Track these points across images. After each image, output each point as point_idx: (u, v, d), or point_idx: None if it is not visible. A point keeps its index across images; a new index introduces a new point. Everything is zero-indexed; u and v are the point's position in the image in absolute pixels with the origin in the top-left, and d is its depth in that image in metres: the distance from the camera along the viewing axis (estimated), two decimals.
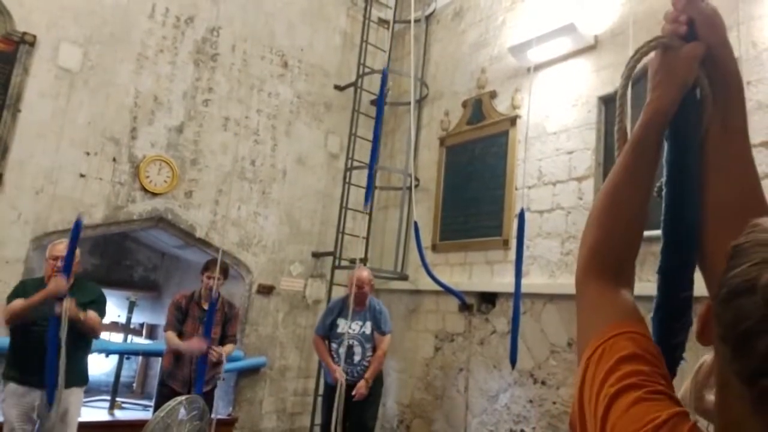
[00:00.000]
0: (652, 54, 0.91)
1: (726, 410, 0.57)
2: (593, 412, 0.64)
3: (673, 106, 0.85)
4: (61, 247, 3.44)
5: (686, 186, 0.86)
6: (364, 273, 4.36)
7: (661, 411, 0.58)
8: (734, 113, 0.87)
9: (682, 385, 1.90)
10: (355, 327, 4.25)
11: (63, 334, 3.18)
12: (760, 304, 0.52)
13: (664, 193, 0.88)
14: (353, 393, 4.09)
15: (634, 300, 0.76)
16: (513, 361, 3.74)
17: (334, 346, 4.33)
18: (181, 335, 4.02)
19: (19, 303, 3.27)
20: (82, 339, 3.52)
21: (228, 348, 4.13)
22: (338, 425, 4.00)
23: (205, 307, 4.11)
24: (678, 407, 0.59)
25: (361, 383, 4.12)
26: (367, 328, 4.30)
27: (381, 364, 4.31)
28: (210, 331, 3.82)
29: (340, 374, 4.07)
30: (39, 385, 3.28)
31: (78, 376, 3.51)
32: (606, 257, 0.79)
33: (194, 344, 3.86)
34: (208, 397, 3.80)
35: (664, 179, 0.88)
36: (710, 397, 1.68)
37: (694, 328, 0.66)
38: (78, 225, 3.30)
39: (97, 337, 3.68)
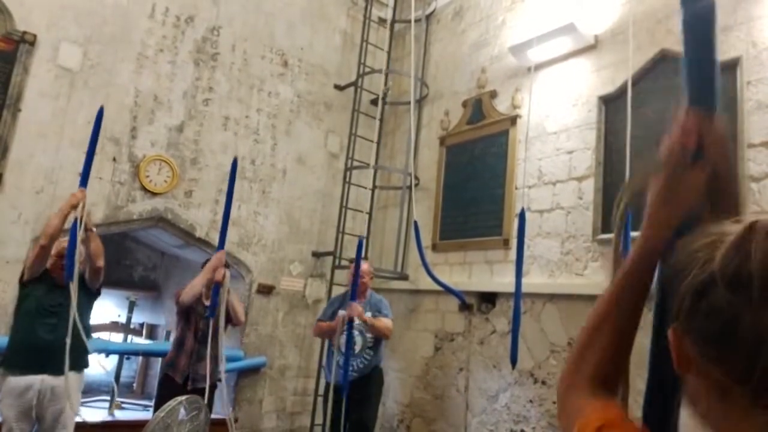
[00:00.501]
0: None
1: (726, 418, 0.57)
2: None
3: (669, 237, 0.79)
4: (66, 242, 3.45)
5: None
6: (364, 265, 4.42)
7: None
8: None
9: None
10: (356, 318, 4.26)
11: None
12: (724, 293, 0.54)
13: (654, 301, 0.83)
14: (348, 314, 4.04)
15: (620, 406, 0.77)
16: (513, 361, 3.74)
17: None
18: (183, 334, 4.02)
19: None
20: (83, 326, 3.53)
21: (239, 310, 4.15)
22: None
23: (206, 303, 4.11)
24: None
25: (360, 309, 4.10)
26: (368, 317, 4.32)
27: (381, 327, 4.26)
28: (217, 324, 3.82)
29: (341, 316, 4.05)
30: (41, 370, 3.30)
31: (75, 360, 3.48)
32: (593, 367, 0.80)
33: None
34: (209, 397, 3.79)
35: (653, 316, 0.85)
36: None
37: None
38: (100, 115, 3.31)
39: (98, 276, 3.64)
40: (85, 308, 3.62)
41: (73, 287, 3.13)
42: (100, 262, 3.55)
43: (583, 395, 0.77)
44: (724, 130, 0.82)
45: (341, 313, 4.19)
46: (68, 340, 3.15)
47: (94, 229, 3.50)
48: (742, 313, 0.53)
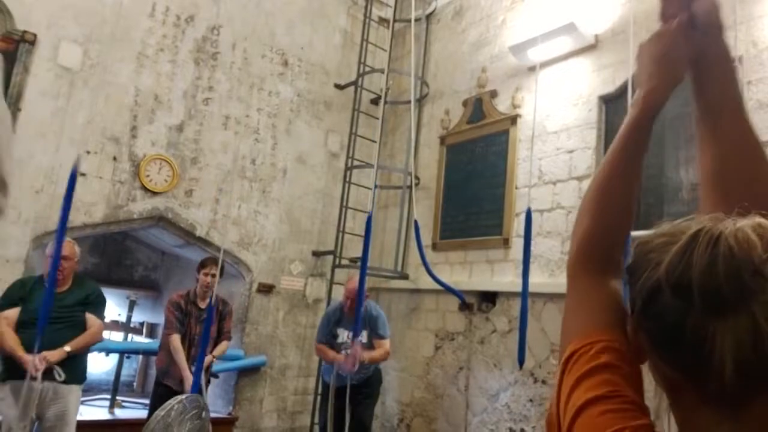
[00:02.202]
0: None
1: (682, 414, 0.61)
2: (563, 419, 0.66)
3: (666, 99, 0.84)
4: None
5: None
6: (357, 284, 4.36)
7: (626, 423, 0.60)
8: (730, 93, 0.84)
9: None
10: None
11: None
12: (670, 297, 0.58)
13: None
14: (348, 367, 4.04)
15: (618, 293, 0.77)
16: (521, 361, 3.71)
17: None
18: (183, 337, 4.02)
19: (10, 318, 3.34)
20: (78, 332, 3.54)
21: (222, 347, 4.14)
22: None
23: (202, 305, 4.11)
24: (644, 419, 0.61)
25: (357, 350, 4.05)
26: (364, 337, 4.29)
27: (381, 358, 4.28)
28: (209, 330, 3.82)
29: (343, 356, 4.05)
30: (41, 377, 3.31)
31: (76, 375, 3.52)
32: (595, 248, 0.80)
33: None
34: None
35: None
36: None
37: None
38: (74, 172, 3.13)
39: (100, 341, 3.69)
40: (83, 318, 3.61)
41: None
42: (100, 339, 3.69)
43: (593, 286, 0.77)
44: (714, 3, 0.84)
45: (341, 337, 4.24)
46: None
47: (68, 349, 3.43)
48: (685, 317, 0.56)
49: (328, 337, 4.36)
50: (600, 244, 0.80)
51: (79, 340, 3.46)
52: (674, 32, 0.84)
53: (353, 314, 4.12)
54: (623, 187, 0.82)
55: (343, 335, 4.27)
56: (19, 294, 3.45)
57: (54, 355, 3.30)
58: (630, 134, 0.83)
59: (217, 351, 4.08)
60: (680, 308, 0.57)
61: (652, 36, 0.87)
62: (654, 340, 0.61)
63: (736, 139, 0.80)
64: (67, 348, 3.37)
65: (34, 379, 3.15)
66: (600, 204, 0.82)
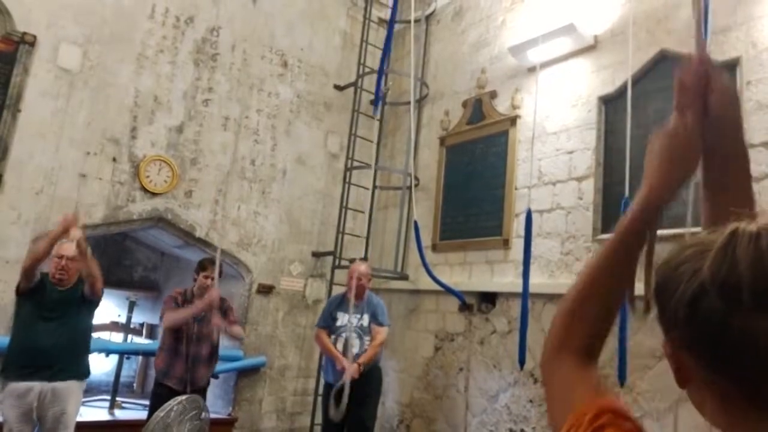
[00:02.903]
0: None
1: (732, 423, 0.58)
2: None
3: (669, 201, 0.80)
4: (66, 246, 3.46)
5: None
6: (363, 267, 4.43)
7: None
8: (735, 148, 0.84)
9: None
10: (354, 320, 4.28)
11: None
12: (716, 299, 0.55)
13: None
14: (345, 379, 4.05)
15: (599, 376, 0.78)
16: (521, 362, 3.72)
17: (332, 338, 4.37)
18: (179, 336, 4.01)
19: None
20: (82, 332, 3.54)
21: (237, 329, 4.16)
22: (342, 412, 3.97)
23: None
24: None
25: (354, 366, 4.11)
26: (365, 321, 4.34)
27: (377, 352, 4.31)
28: (210, 331, 3.83)
29: (347, 365, 4.06)
30: (41, 376, 3.30)
31: (76, 369, 3.50)
32: (580, 339, 0.79)
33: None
34: (201, 396, 3.80)
35: None
36: None
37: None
38: None
39: (98, 294, 3.64)
40: (85, 316, 3.62)
41: None
42: (98, 285, 3.58)
43: (573, 370, 0.76)
44: (728, 81, 0.82)
45: (340, 321, 4.29)
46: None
47: (90, 253, 3.45)
48: (732, 319, 0.54)
49: (328, 321, 4.42)
50: (584, 338, 0.79)
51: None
52: (690, 131, 0.81)
53: (355, 297, 4.18)
54: (613, 286, 0.80)
55: (343, 319, 4.31)
56: (30, 293, 3.47)
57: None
58: (627, 233, 0.79)
59: (234, 331, 4.10)
60: (727, 309, 0.54)
61: (667, 130, 0.83)
62: (700, 349, 0.58)
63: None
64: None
65: None
66: (588, 300, 0.80)
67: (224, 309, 4.20)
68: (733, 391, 0.56)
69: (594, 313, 0.80)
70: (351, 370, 3.99)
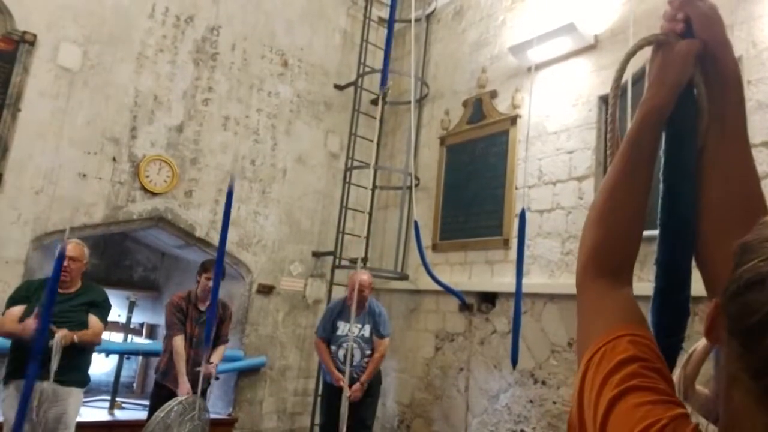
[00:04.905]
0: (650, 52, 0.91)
1: (732, 406, 0.56)
2: (593, 416, 0.64)
3: (668, 104, 0.84)
4: (69, 246, 3.45)
5: (681, 183, 0.86)
6: (364, 276, 4.34)
7: (662, 414, 0.58)
8: (732, 115, 0.86)
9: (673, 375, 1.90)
10: (355, 330, 4.24)
11: (54, 366, 3.20)
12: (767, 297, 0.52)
13: (660, 189, 0.88)
14: (349, 395, 4.07)
15: (634, 298, 0.76)
16: (514, 362, 3.73)
17: (333, 348, 4.34)
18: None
19: (14, 315, 3.34)
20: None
21: (219, 352, 4.13)
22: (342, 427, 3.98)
23: (202, 308, 4.10)
24: (680, 409, 0.59)
25: (356, 386, 4.11)
26: (366, 331, 4.31)
27: (377, 367, 4.31)
28: (210, 333, 3.81)
29: (343, 381, 4.05)
30: (41, 377, 3.29)
31: (77, 377, 3.51)
32: (606, 257, 0.79)
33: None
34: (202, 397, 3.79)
35: (660, 176, 0.89)
36: (700, 389, 1.68)
37: (696, 327, 0.65)
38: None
39: (98, 344, 3.68)
40: (85, 321, 3.61)
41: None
42: (99, 342, 3.66)
43: (604, 293, 0.75)
44: (713, 8, 0.86)
45: (341, 329, 4.28)
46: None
47: (77, 339, 3.41)
48: None
49: (328, 331, 4.38)
50: (610, 255, 0.79)
51: (85, 332, 3.46)
52: (669, 41, 0.86)
53: (355, 306, 4.15)
54: (631, 196, 0.81)
55: (344, 328, 4.26)
56: (25, 294, 3.46)
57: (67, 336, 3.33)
58: (633, 140, 0.82)
59: (215, 357, 4.06)
60: None
61: (653, 49, 0.89)
62: (733, 329, 0.56)
63: (741, 178, 0.81)
64: (75, 338, 3.37)
65: None
66: (608, 214, 0.80)
67: (222, 318, 4.18)
68: (742, 380, 0.54)
69: (616, 229, 0.80)
70: (353, 395, 3.99)
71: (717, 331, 0.59)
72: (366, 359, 4.26)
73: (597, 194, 0.83)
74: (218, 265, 3.51)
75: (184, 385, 3.80)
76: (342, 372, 4.08)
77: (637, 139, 0.83)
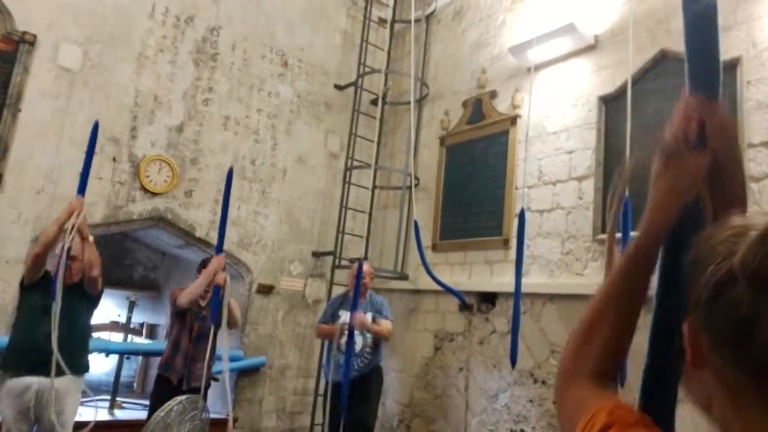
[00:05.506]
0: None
1: (743, 415, 0.55)
2: None
3: (671, 221, 0.80)
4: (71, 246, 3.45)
5: (673, 294, 0.79)
6: (365, 266, 4.43)
7: None
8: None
9: None
10: None
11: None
12: (745, 289, 0.52)
13: (654, 291, 0.84)
14: (351, 323, 4.05)
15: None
16: (513, 361, 3.74)
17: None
18: (183, 332, 4.01)
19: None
20: (82, 329, 3.54)
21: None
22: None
23: (202, 303, 4.10)
24: None
25: (360, 315, 4.12)
26: (368, 318, 4.34)
27: (382, 332, 4.34)
28: (208, 330, 3.81)
29: (341, 324, 4.10)
30: (40, 372, 3.29)
31: (75, 364, 3.48)
32: (593, 361, 0.78)
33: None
34: (204, 396, 3.79)
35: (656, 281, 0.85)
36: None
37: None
38: (95, 129, 3.34)
39: (95, 284, 3.63)
40: (85, 312, 3.62)
41: (56, 305, 3.09)
42: (95, 272, 3.53)
43: (584, 390, 0.75)
44: (727, 117, 0.81)
45: (343, 318, 4.23)
46: (55, 352, 3.11)
47: (91, 238, 3.46)
48: (762, 312, 0.51)
49: (329, 319, 4.46)
50: (596, 367, 0.77)
51: None
52: (688, 153, 0.80)
53: (355, 292, 4.17)
54: (623, 315, 0.78)
55: (346, 316, 4.30)
56: (32, 290, 3.46)
57: None
58: (632, 260, 0.79)
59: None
60: (756, 302, 0.51)
61: (664, 150, 0.81)
62: (719, 339, 0.55)
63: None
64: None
65: None
66: (598, 330, 0.79)
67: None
68: (747, 385, 0.54)
69: (604, 339, 0.78)
70: (360, 318, 4.01)
71: (700, 354, 0.59)
72: (368, 348, 4.30)
73: (587, 309, 0.81)
74: (220, 235, 3.55)
75: (201, 276, 3.87)
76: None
77: (635, 259, 0.79)
